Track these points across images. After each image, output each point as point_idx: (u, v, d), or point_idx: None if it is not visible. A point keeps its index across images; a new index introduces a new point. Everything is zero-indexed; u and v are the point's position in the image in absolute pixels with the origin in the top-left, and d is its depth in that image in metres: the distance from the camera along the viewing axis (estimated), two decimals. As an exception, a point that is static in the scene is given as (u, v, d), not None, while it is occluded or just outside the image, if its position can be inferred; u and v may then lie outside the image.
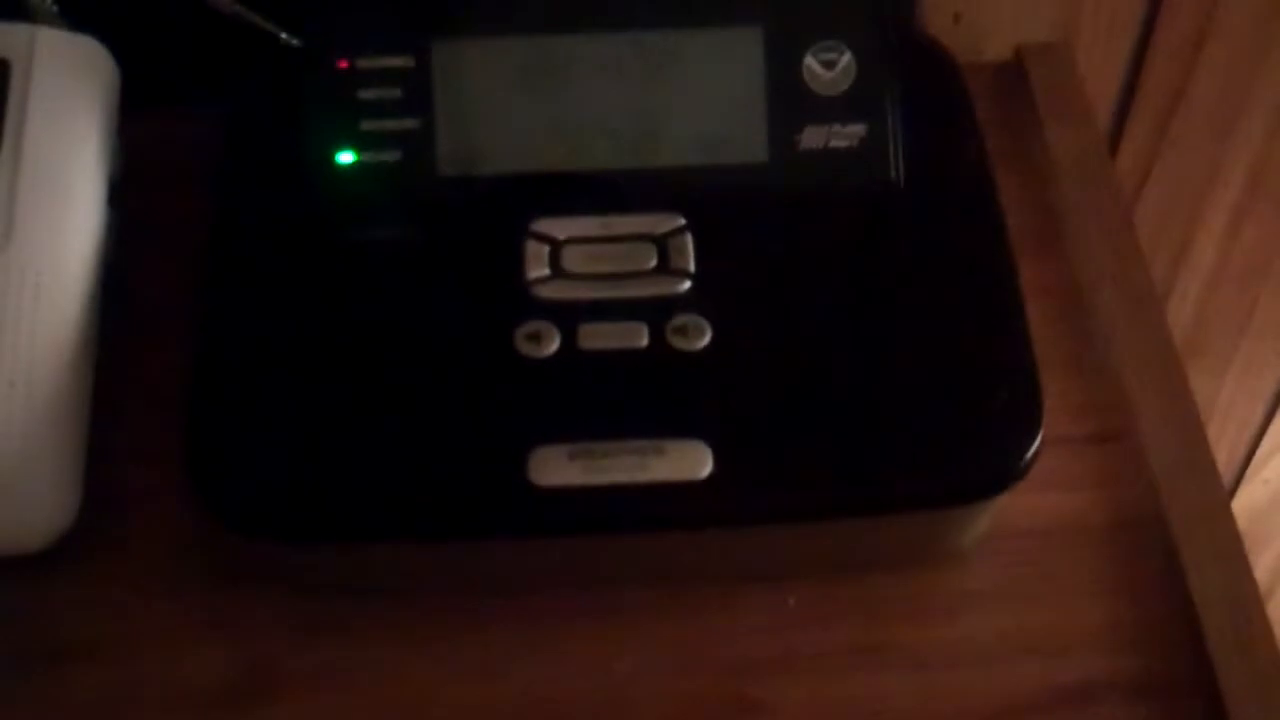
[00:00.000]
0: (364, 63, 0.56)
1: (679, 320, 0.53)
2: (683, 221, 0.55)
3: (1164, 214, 0.85)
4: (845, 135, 0.56)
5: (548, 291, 0.53)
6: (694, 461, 0.50)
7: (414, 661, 0.53)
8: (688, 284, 0.54)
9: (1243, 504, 1.12)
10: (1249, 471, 1.10)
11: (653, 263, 0.54)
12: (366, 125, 0.56)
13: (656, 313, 0.53)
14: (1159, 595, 0.55)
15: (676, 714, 0.53)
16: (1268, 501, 1.14)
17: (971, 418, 0.52)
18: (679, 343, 0.52)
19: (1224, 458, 1.06)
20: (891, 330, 0.54)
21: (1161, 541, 0.56)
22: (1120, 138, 0.80)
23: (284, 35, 0.60)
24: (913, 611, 0.55)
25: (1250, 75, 0.78)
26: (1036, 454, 0.51)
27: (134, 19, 0.60)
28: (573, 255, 0.54)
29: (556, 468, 0.50)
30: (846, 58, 0.56)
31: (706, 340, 0.52)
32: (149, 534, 0.55)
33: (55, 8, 0.59)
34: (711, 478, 0.50)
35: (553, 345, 0.52)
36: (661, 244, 0.54)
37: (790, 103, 0.56)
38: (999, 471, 0.52)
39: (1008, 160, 0.60)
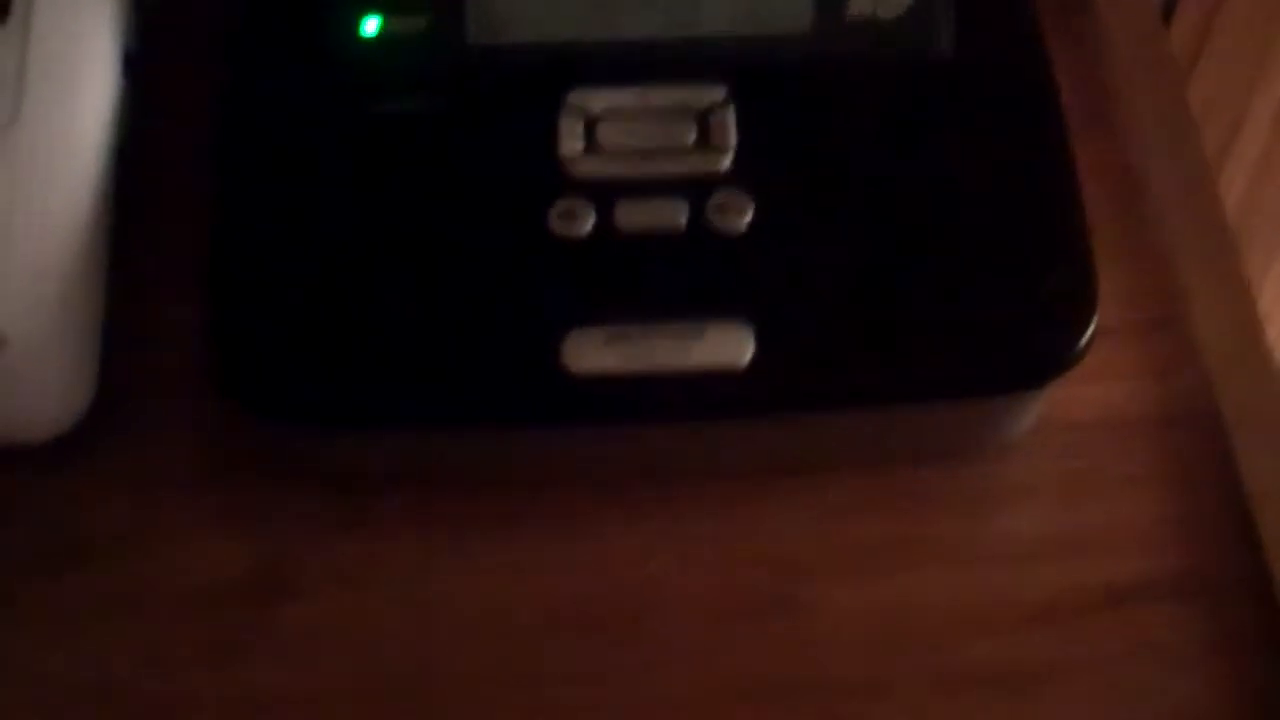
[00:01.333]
0: (391, -75, 0.53)
1: (720, 198, 0.50)
2: (723, 94, 0.52)
3: (1214, 96, 0.82)
4: (893, 4, 0.54)
5: (583, 168, 0.51)
6: (735, 346, 0.48)
7: (441, 557, 0.52)
8: (729, 160, 0.51)
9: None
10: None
11: (693, 138, 0.52)
12: (392, -10, 0.53)
13: (697, 190, 0.50)
14: (1211, 490, 0.54)
15: (713, 610, 0.51)
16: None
17: (1023, 302, 0.50)
18: (720, 222, 0.50)
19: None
20: (941, 210, 0.51)
21: (1214, 434, 0.55)
22: (1172, 16, 0.77)
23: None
24: (958, 505, 0.53)
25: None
26: (1091, 341, 0.49)
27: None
28: (609, 130, 0.52)
29: (592, 353, 0.48)
30: (896, -78, 0.54)
31: (748, 219, 0.50)
32: (168, 422, 0.53)
33: None
34: (753, 363, 0.48)
35: (588, 224, 0.50)
36: (702, 118, 0.52)
37: (837, -31, 0.53)
38: (1051, 358, 0.50)
39: (1059, 35, 0.57)
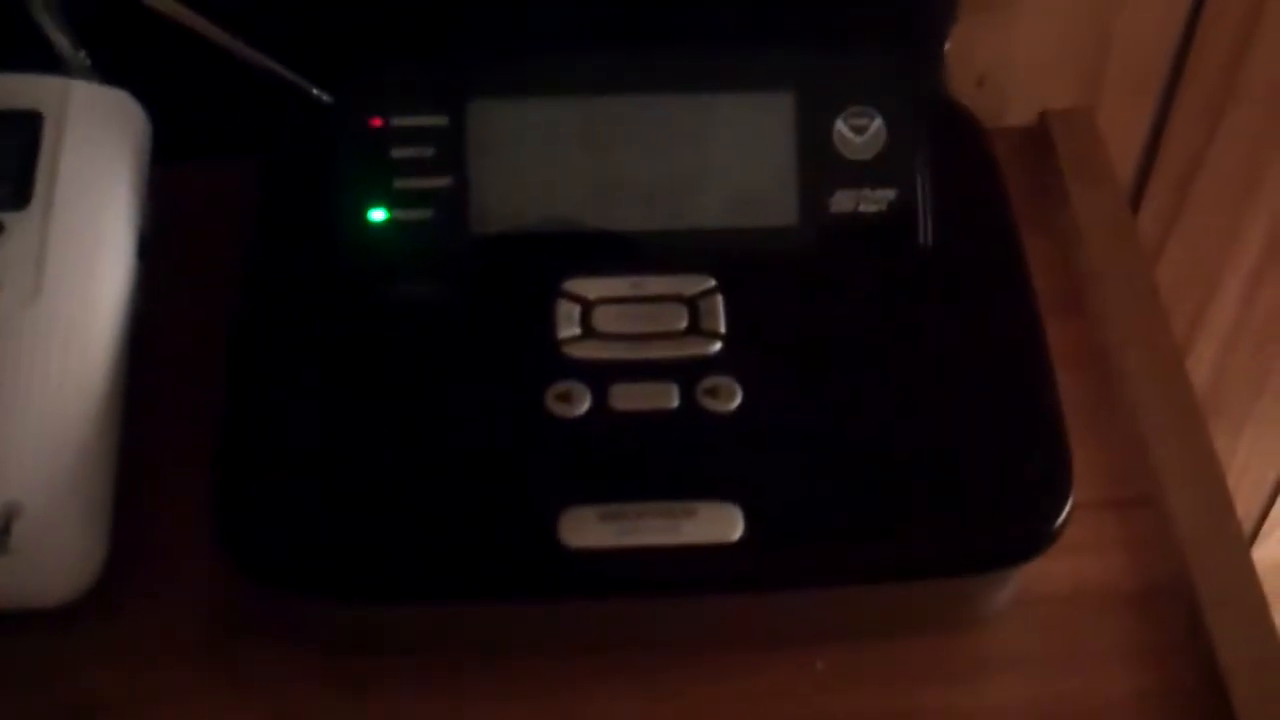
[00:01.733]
0: (398, 121, 0.56)
1: (710, 381, 0.53)
2: (713, 283, 0.55)
3: (1182, 276, 0.85)
4: (875, 199, 0.56)
5: (579, 351, 0.53)
6: (725, 524, 0.50)
7: (440, 722, 0.53)
8: (718, 345, 0.54)
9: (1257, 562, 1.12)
10: (1263, 531, 1.10)
11: (684, 324, 0.54)
12: (399, 183, 0.56)
13: (687, 374, 0.53)
14: (1186, 662, 0.55)
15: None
16: (1281, 562, 1.14)
17: (1002, 483, 0.52)
18: (710, 404, 0.52)
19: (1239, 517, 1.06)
20: (921, 394, 0.53)
21: (1187, 608, 0.56)
22: (1141, 199, 0.81)
23: (315, 91, 0.60)
24: (940, 676, 0.55)
25: (1272, 140, 0.78)
26: (1067, 520, 0.51)
27: (166, 72, 0.60)
28: (604, 315, 0.54)
29: (588, 529, 0.49)
30: (877, 123, 0.57)
31: (737, 402, 0.52)
32: (176, 590, 0.55)
33: (88, 61, 0.60)
34: (743, 540, 0.49)
35: (584, 405, 0.52)
36: (692, 305, 0.54)
37: (821, 167, 0.56)
38: (1030, 537, 0.51)
39: (1032, 223, 0.60)
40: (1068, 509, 0.51)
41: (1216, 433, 0.85)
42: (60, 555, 0.52)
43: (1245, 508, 1.05)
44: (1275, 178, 0.80)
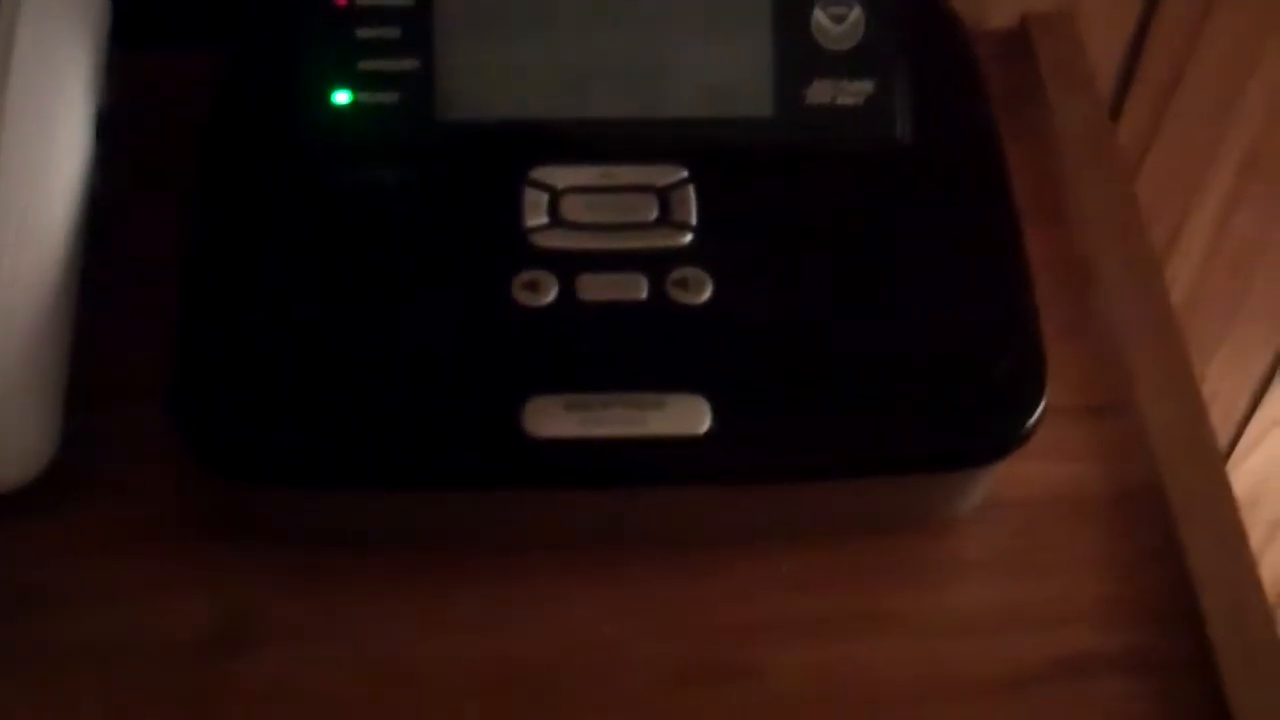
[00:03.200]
0: (363, 1, 0.54)
1: (679, 273, 0.52)
2: (685, 173, 0.54)
3: (1160, 192, 0.84)
4: (852, 91, 0.55)
5: (546, 240, 0.52)
6: (692, 416, 0.49)
7: (400, 615, 0.52)
8: (689, 237, 0.52)
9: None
10: (1232, 460, 1.10)
11: (654, 214, 0.53)
12: (364, 65, 0.54)
13: (657, 265, 0.52)
14: (1156, 570, 0.55)
15: (667, 678, 0.51)
16: (1250, 491, 1.13)
17: (974, 382, 0.51)
18: (679, 296, 0.51)
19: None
20: (895, 291, 0.52)
21: (1160, 515, 0.56)
22: (1120, 112, 0.80)
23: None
24: (908, 579, 0.54)
25: (1252, 55, 0.77)
26: (1039, 421, 0.50)
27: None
28: (572, 204, 0.53)
29: (552, 418, 0.48)
30: (855, 12, 0.55)
31: (707, 294, 0.51)
32: (129, 476, 0.54)
33: (45, -64, 0.58)
34: (709, 433, 0.48)
35: (550, 294, 0.51)
36: (663, 195, 0.53)
37: (797, 56, 0.55)
38: (1001, 437, 0.51)
39: (1011, 128, 0.59)
40: (1040, 409, 0.51)
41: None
42: (10, 437, 0.51)
43: (1216, 431, 1.05)
44: (1254, 93, 0.79)
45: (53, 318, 0.52)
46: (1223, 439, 1.08)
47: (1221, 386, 1.00)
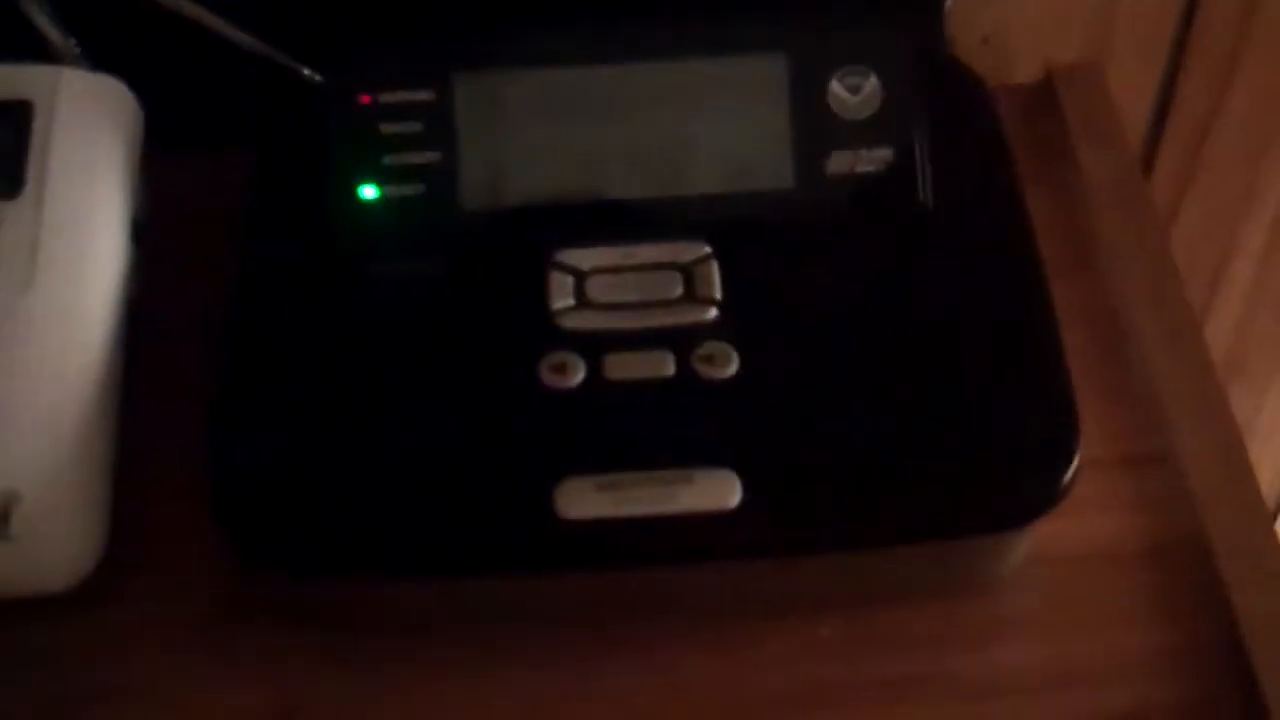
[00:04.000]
0: (386, 97, 0.56)
1: (706, 349, 0.52)
2: (708, 249, 0.54)
3: (1200, 237, 0.84)
4: (872, 160, 0.56)
5: (572, 322, 0.53)
6: (723, 491, 0.49)
7: (446, 695, 0.53)
8: (715, 312, 0.53)
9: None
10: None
11: (679, 291, 0.54)
12: (389, 159, 0.55)
13: (683, 341, 0.52)
14: (1203, 620, 0.54)
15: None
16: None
17: (1006, 443, 0.51)
18: (706, 371, 0.52)
19: (1265, 481, 1.05)
20: (923, 356, 0.53)
21: (1203, 565, 0.55)
22: (1154, 161, 0.80)
23: (306, 71, 0.60)
24: (950, 641, 0.54)
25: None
26: (1074, 479, 0.50)
27: (157, 59, 0.60)
28: (597, 285, 0.54)
29: (584, 499, 0.49)
30: (872, 82, 0.56)
31: (734, 368, 0.52)
32: (176, 574, 0.55)
33: (78, 49, 0.60)
34: (741, 507, 0.49)
35: (578, 376, 0.52)
36: (687, 272, 0.54)
37: (816, 128, 0.56)
38: (1035, 497, 0.51)
39: (1040, 182, 0.59)
40: (1075, 465, 0.50)
41: (1240, 397, 0.84)
42: (59, 542, 0.52)
43: (1272, 470, 1.04)
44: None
45: (96, 420, 0.54)
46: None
47: (1278, 425, 0.99)
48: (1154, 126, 0.78)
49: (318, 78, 0.60)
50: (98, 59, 0.60)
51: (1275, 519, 0.75)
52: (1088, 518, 0.56)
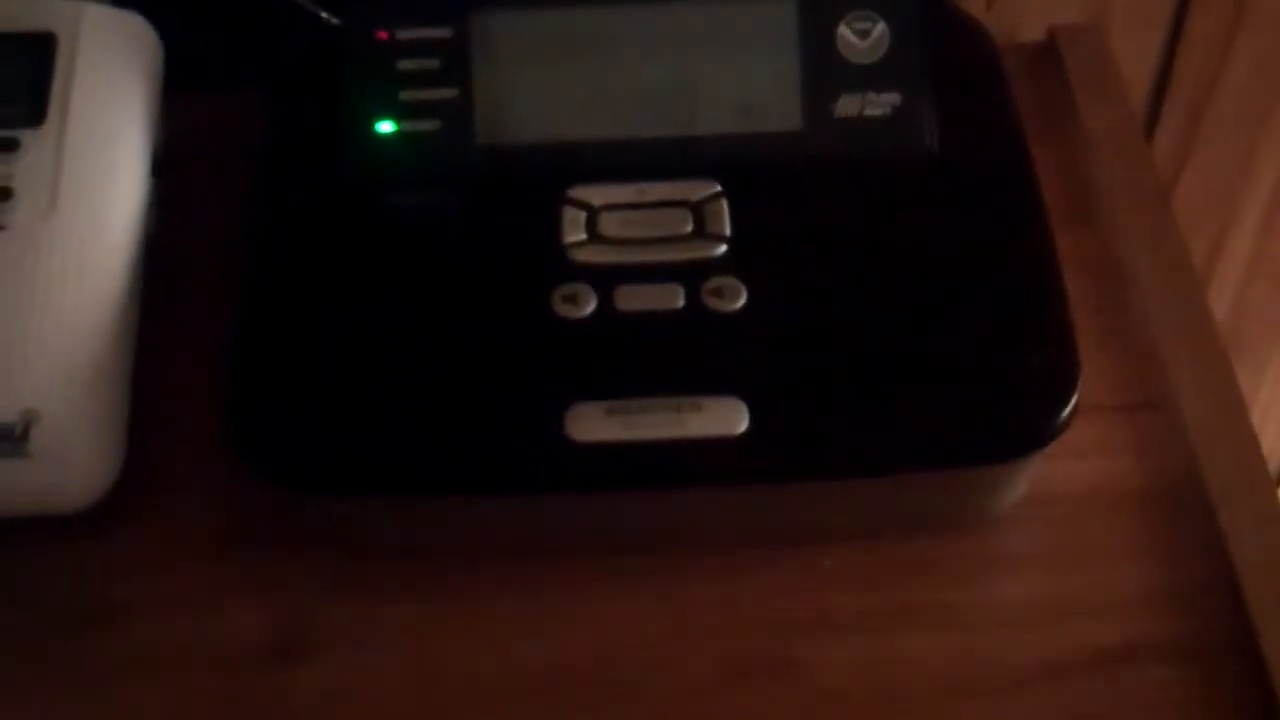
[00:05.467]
0: (403, 34, 0.57)
1: (715, 282, 0.53)
2: (718, 187, 0.55)
3: (1199, 205, 0.85)
4: (879, 103, 0.57)
5: (584, 255, 0.54)
6: (730, 417, 0.50)
7: (445, 621, 0.53)
8: (724, 248, 0.54)
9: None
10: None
11: (689, 228, 0.55)
12: (405, 95, 0.57)
13: (692, 275, 0.53)
14: (1199, 560, 0.55)
15: (714, 674, 0.52)
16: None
17: (1007, 378, 0.52)
18: (715, 304, 0.53)
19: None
20: (927, 294, 0.54)
21: (1200, 507, 0.56)
22: (1154, 129, 0.81)
23: (324, 14, 0.61)
24: (950, 573, 0.55)
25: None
26: (1072, 414, 0.51)
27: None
28: (609, 220, 0.55)
29: (594, 423, 0.50)
30: (880, 27, 0.57)
31: (742, 301, 0.53)
32: (190, 497, 0.56)
33: (101, -16, 0.61)
34: (748, 433, 0.50)
35: (589, 306, 0.53)
36: (697, 209, 0.55)
37: (824, 71, 0.57)
38: (1034, 430, 0.52)
39: (1044, 138, 0.60)
40: (1073, 403, 0.51)
41: (1239, 373, 0.85)
42: (77, 460, 0.53)
43: (1271, 445, 1.05)
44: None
45: (115, 343, 0.55)
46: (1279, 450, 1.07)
47: (1276, 398, 1.00)
48: (1154, 95, 0.79)
49: (335, 21, 0.61)
50: (118, -6, 0.61)
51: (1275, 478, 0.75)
52: (1086, 461, 0.57)
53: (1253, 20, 0.76)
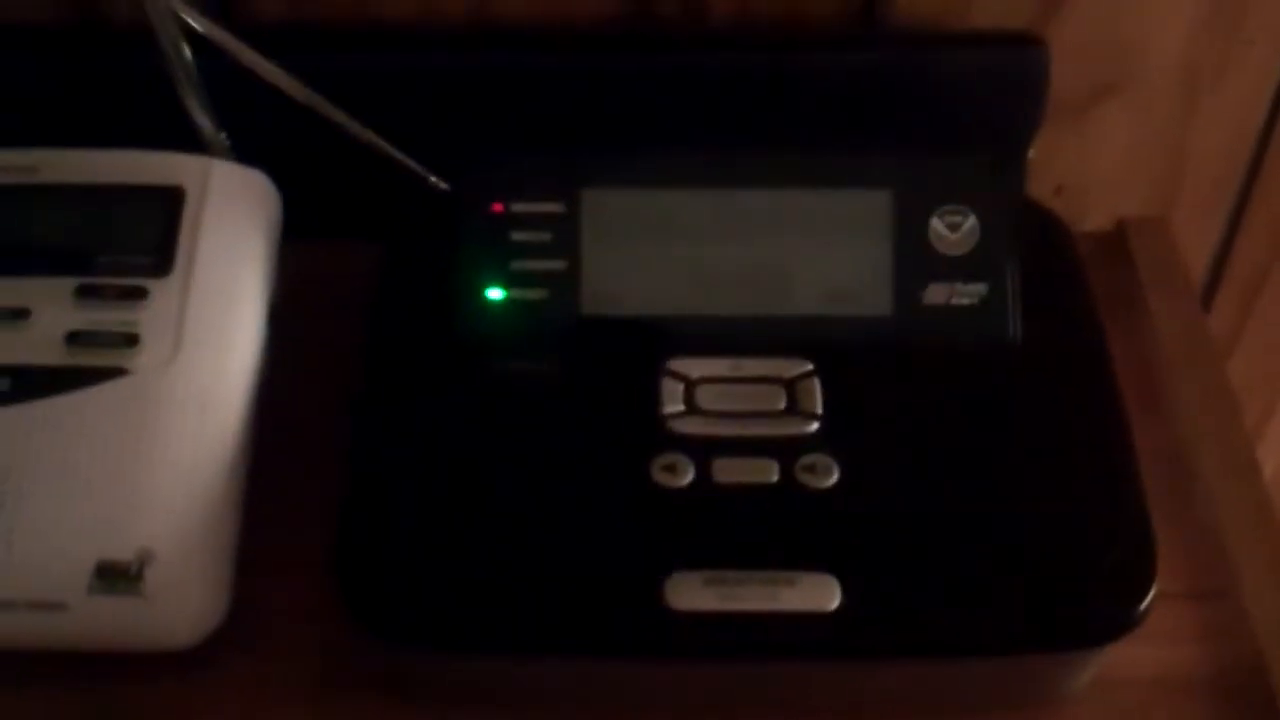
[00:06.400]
0: (517, 207, 0.60)
1: (808, 459, 0.55)
2: (810, 366, 0.58)
3: (1246, 386, 0.87)
4: (967, 294, 0.59)
5: (682, 426, 0.56)
6: (823, 593, 0.52)
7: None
8: (816, 425, 0.56)
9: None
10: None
11: (782, 404, 0.57)
12: (516, 265, 0.59)
13: (786, 451, 0.56)
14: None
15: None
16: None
17: (1089, 567, 0.54)
18: (808, 480, 0.55)
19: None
20: (1011, 478, 0.56)
21: (1264, 697, 0.58)
22: (1208, 309, 0.83)
23: (433, 179, 0.64)
24: (1023, 753, 0.56)
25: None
26: (1151, 604, 0.53)
27: (298, 156, 0.64)
28: (706, 393, 0.57)
29: (692, 592, 0.52)
30: (971, 221, 0.60)
31: (834, 479, 0.55)
32: (292, 642, 0.57)
33: (228, 142, 0.64)
34: (840, 609, 0.52)
35: (687, 477, 0.55)
36: (790, 386, 0.57)
37: (916, 261, 0.59)
38: (1115, 620, 0.53)
39: (1109, 325, 0.63)
40: (1152, 594, 0.53)
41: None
42: (187, 600, 0.55)
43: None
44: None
45: (228, 489, 0.57)
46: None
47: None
48: (1211, 277, 0.82)
49: (443, 185, 0.64)
50: (245, 152, 0.64)
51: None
52: (1154, 646, 0.58)
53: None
